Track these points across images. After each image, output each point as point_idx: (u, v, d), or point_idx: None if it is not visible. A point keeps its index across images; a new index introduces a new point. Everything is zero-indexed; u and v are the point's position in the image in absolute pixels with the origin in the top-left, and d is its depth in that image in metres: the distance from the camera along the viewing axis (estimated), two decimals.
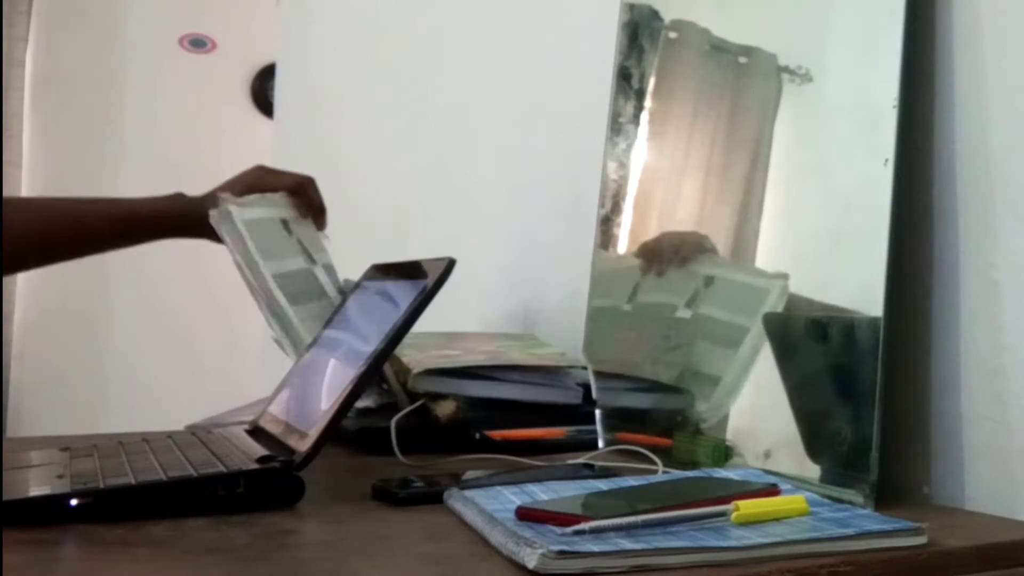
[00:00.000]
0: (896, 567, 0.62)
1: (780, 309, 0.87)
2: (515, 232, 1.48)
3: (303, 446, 0.76)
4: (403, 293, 0.82)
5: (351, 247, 2.06)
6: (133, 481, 0.71)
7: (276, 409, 0.93)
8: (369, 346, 0.80)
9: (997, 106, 0.79)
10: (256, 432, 0.91)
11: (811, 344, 0.84)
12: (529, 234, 1.44)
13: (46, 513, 0.66)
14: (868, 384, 0.77)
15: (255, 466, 0.74)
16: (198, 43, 3.56)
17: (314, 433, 0.77)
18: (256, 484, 0.72)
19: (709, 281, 0.94)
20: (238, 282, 1.06)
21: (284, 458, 0.75)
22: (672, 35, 1.05)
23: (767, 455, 0.85)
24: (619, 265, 1.07)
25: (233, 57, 3.57)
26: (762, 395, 0.88)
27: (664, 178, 1.04)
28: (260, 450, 0.79)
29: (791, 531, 0.63)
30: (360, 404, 1.00)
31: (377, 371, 0.80)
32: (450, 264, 0.80)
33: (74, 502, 0.67)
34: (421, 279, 0.81)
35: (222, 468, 0.73)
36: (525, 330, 1.37)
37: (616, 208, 1.08)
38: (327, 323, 0.97)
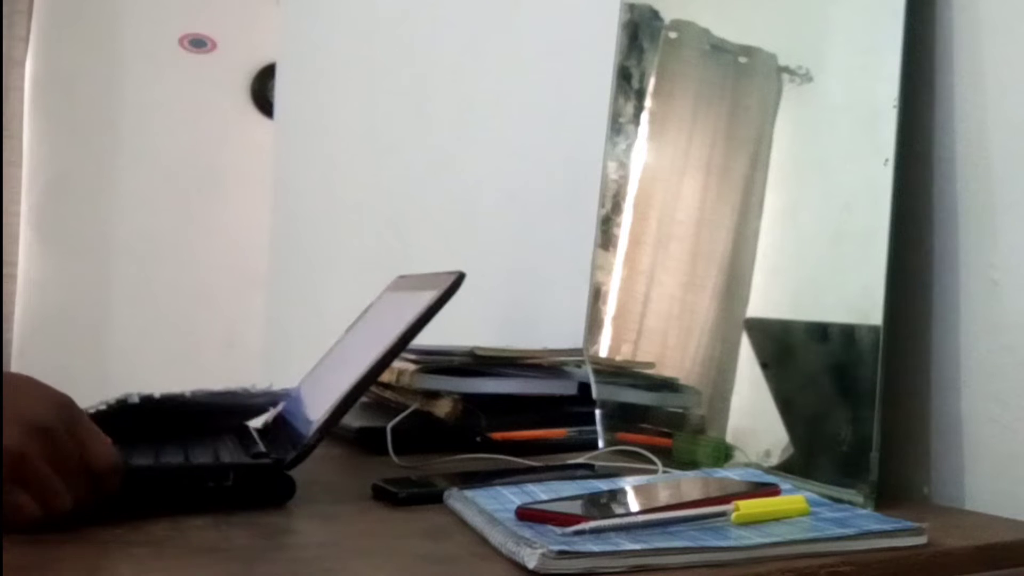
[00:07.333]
0: (896, 567, 0.62)
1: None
2: (515, 232, 1.48)
3: (296, 446, 0.76)
4: (411, 304, 0.83)
5: (351, 247, 2.07)
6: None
7: (285, 409, 0.94)
8: (371, 354, 0.80)
9: (997, 106, 0.79)
10: (265, 431, 0.93)
11: (811, 344, 0.84)
12: (529, 234, 1.44)
13: None
14: (868, 384, 0.77)
15: (247, 460, 0.75)
16: (198, 43, 3.56)
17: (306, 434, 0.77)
18: (245, 479, 0.72)
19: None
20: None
21: (276, 456, 0.76)
22: (672, 35, 1.05)
23: (767, 455, 0.85)
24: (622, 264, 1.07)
25: (233, 57, 3.57)
26: (762, 395, 0.88)
27: (664, 178, 1.04)
28: (259, 447, 0.79)
29: (791, 531, 0.63)
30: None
31: (375, 379, 0.80)
32: (459, 278, 0.80)
33: None
34: (429, 291, 0.81)
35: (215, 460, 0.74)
36: (525, 330, 1.37)
37: (616, 208, 1.08)
38: (348, 329, 0.99)
